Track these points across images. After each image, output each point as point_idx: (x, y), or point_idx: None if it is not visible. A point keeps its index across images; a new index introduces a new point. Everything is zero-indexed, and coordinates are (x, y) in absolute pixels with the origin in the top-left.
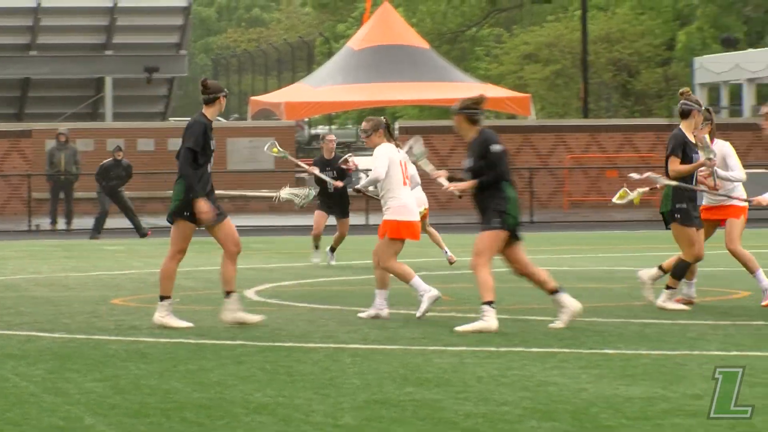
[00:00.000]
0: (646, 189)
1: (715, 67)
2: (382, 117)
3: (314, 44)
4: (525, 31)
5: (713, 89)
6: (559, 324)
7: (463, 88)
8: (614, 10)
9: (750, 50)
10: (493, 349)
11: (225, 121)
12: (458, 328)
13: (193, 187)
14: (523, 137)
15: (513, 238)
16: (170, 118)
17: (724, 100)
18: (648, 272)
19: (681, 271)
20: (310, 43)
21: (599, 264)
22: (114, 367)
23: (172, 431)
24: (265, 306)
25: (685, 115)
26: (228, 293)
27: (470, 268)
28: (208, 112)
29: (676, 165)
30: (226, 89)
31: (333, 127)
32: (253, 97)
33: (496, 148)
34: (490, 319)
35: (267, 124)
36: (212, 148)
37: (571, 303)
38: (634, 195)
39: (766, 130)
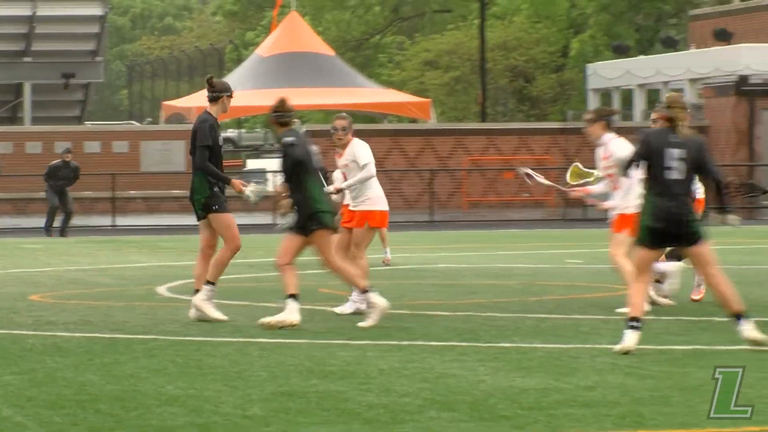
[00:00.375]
0: (601, 175)
1: (607, 73)
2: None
3: (224, 51)
4: (426, 39)
5: (605, 95)
6: (369, 323)
7: (366, 93)
8: (511, 18)
9: (641, 57)
10: (394, 342)
11: (138, 124)
12: (360, 324)
13: (219, 175)
14: (424, 140)
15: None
16: (86, 122)
17: (616, 104)
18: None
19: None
20: (220, 50)
21: (496, 261)
22: (31, 360)
23: (87, 422)
24: (177, 302)
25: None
26: (209, 282)
27: (333, 270)
28: (213, 109)
29: None
30: (231, 89)
31: (242, 130)
32: (165, 102)
33: (286, 140)
34: (293, 312)
35: (179, 128)
36: (220, 143)
37: (380, 301)
38: (591, 179)
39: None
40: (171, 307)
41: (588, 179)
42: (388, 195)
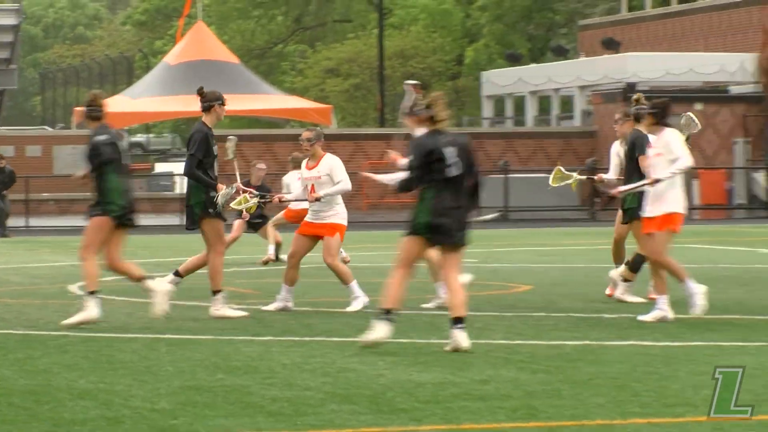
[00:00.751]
0: (584, 177)
1: (500, 80)
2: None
3: (134, 59)
4: (327, 47)
5: (499, 101)
6: (159, 309)
7: (270, 99)
8: (408, 28)
9: (532, 65)
10: (296, 338)
11: (51, 129)
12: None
13: (205, 180)
14: (325, 144)
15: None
16: (0, 128)
17: (509, 110)
18: (617, 271)
19: (639, 265)
20: (129, 59)
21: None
22: None
23: (1, 415)
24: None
25: (641, 118)
26: (215, 292)
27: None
28: (207, 120)
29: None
30: (223, 98)
31: (150, 135)
32: (77, 108)
33: (98, 138)
34: (91, 309)
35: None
36: (214, 153)
37: (158, 285)
38: (570, 180)
39: (618, 132)
40: (81, 305)
41: (568, 181)
42: None
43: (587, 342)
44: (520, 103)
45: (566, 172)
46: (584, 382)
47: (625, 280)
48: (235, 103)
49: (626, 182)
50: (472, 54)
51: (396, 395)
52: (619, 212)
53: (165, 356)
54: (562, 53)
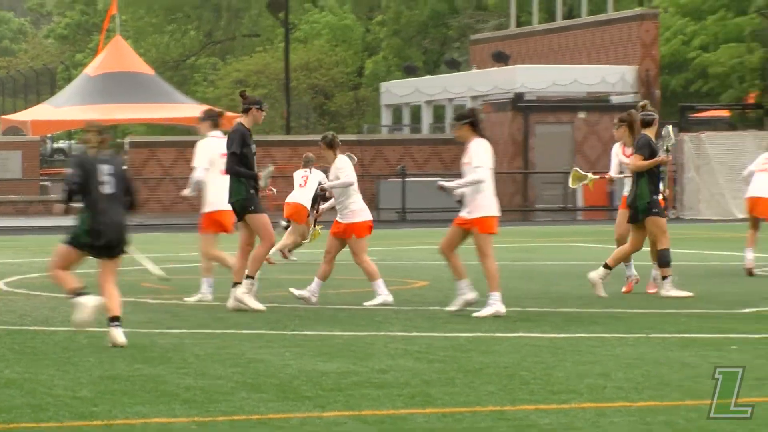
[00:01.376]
0: (597, 177)
1: (398, 90)
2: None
3: (56, 71)
4: (237, 60)
5: (397, 110)
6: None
7: (184, 108)
8: (313, 42)
9: (428, 76)
10: (209, 331)
11: None
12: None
13: (246, 173)
14: None
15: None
16: None
17: (406, 119)
18: (597, 272)
19: (667, 258)
20: (52, 70)
21: (298, 256)
22: None
23: None
24: (14, 295)
25: (648, 124)
26: (249, 277)
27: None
28: (245, 121)
29: (638, 161)
30: (261, 102)
31: (72, 141)
32: (3, 116)
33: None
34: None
35: (15, 139)
36: (253, 151)
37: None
38: (587, 180)
39: (616, 135)
40: (8, 300)
41: (585, 181)
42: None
43: (479, 334)
44: (416, 112)
45: (583, 173)
46: (476, 371)
47: (664, 277)
48: (151, 112)
49: (634, 181)
50: (371, 66)
51: (301, 383)
52: (622, 211)
53: (86, 348)
54: (455, 66)
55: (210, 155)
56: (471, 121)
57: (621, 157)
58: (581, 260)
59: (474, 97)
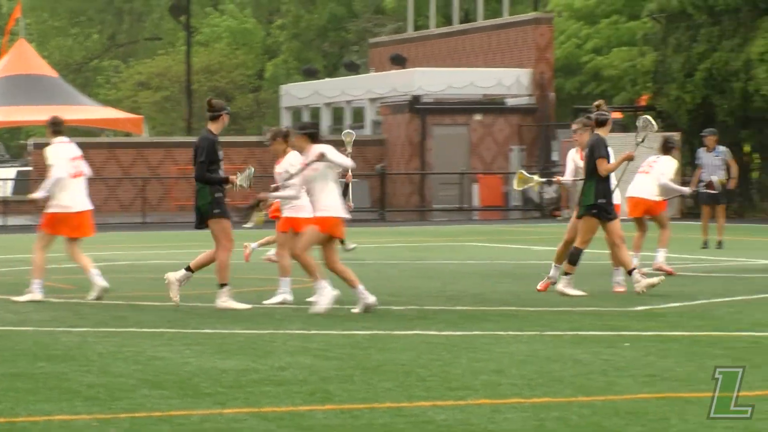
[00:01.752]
0: (544, 180)
1: (298, 93)
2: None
3: None
4: (139, 63)
5: (296, 112)
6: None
7: (86, 110)
8: (214, 46)
9: (327, 79)
10: (111, 329)
11: None
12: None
13: (218, 179)
14: (137, 152)
15: None
16: None
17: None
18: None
19: (576, 258)
20: None
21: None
22: None
23: None
24: None
25: (602, 123)
26: (221, 285)
27: None
28: (213, 127)
29: (605, 164)
30: (228, 108)
31: None
32: None
33: None
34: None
35: None
36: (220, 158)
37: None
38: (533, 183)
39: (577, 140)
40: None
41: (531, 184)
42: (105, 201)
43: (377, 332)
44: (316, 114)
45: (528, 176)
46: (374, 368)
47: (566, 273)
48: (55, 113)
49: (585, 183)
50: (272, 69)
51: (201, 381)
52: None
53: None
54: (354, 68)
55: (61, 159)
56: (310, 132)
57: (578, 162)
58: (477, 259)
59: (372, 100)
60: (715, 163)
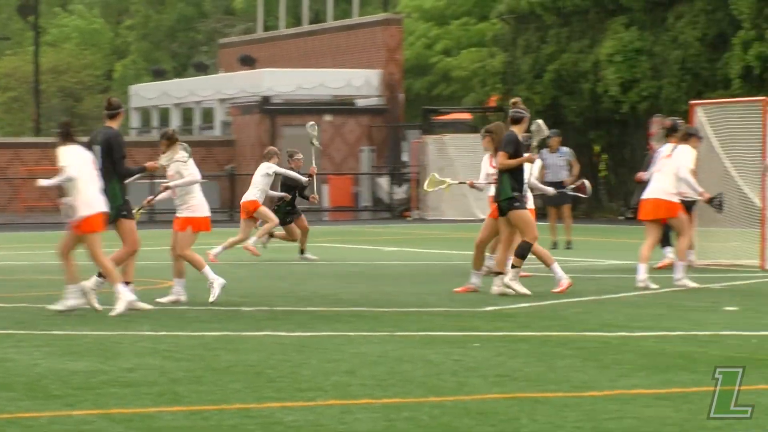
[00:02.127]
0: (456, 182)
1: (147, 93)
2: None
3: None
4: None
5: (145, 112)
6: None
7: None
8: (62, 46)
9: (176, 80)
10: None
11: None
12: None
13: (137, 169)
14: None
15: None
16: None
17: (155, 121)
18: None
19: (525, 251)
20: None
21: (52, 259)
22: None
23: None
24: None
25: (516, 121)
26: (126, 283)
27: None
28: (114, 124)
29: (504, 159)
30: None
31: None
32: None
33: None
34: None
35: None
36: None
37: None
38: (444, 186)
39: (485, 146)
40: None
41: (442, 186)
42: None
43: (226, 333)
44: (165, 115)
45: (440, 179)
46: (223, 370)
47: (513, 266)
48: None
49: (499, 179)
50: (120, 69)
51: (50, 382)
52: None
53: None
54: (203, 69)
55: None
56: (62, 132)
57: (488, 168)
58: (327, 260)
59: (222, 100)
60: (559, 164)
